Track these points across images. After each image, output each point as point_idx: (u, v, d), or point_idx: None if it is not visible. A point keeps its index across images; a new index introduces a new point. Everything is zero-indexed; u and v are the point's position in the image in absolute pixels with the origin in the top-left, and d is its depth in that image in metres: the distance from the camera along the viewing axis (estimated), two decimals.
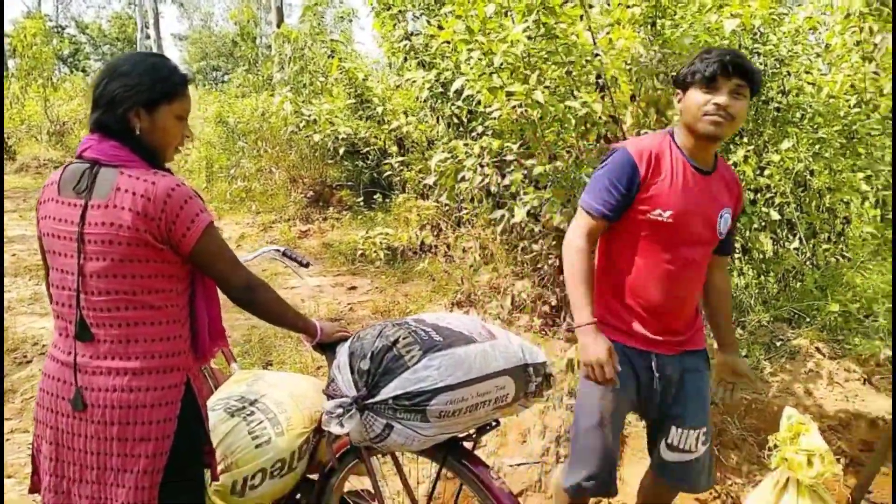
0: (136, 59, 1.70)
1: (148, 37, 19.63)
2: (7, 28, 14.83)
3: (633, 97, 2.98)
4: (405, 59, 4.35)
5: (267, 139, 8.96)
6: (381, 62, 7.67)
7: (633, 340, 2.16)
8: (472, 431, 1.95)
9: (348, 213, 8.73)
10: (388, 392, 1.70)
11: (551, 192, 3.08)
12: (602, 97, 3.04)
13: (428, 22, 4.36)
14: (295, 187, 9.18)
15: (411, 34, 4.33)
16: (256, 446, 2.18)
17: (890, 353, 3.83)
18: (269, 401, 2.31)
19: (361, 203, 8.40)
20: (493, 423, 1.99)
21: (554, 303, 3.86)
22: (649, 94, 3.07)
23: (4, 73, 14.15)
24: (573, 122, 2.85)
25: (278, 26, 9.99)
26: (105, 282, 1.63)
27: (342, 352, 1.82)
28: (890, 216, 3.96)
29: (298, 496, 2.37)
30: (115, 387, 1.65)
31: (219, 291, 1.82)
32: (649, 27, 3.11)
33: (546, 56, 2.90)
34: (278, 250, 2.74)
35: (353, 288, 6.63)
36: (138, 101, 1.65)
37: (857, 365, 3.79)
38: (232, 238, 8.35)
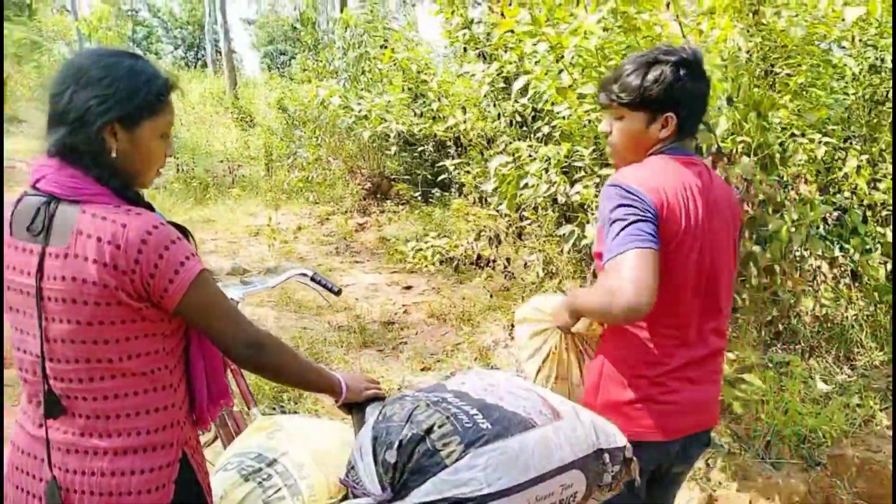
0: (108, 60, 1.32)
1: (216, 21, 19.65)
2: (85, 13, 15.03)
3: (729, 100, 2.51)
4: (465, 50, 3.94)
5: (325, 128, 8.72)
6: (440, 52, 7.26)
7: None
8: None
9: (406, 207, 8.44)
10: (420, 496, 1.32)
11: None
12: None
13: (490, 9, 3.94)
14: (353, 178, 8.93)
15: (471, 22, 3.91)
16: None
17: None
18: (288, 462, 1.96)
19: (419, 197, 8.09)
20: None
21: None
22: (749, 95, 2.58)
23: None
24: None
25: (341, 11, 9.77)
26: (73, 348, 1.31)
27: (364, 434, 1.44)
28: None
29: None
30: (94, 470, 1.34)
31: None
32: (750, 16, 2.61)
33: (624, 51, 2.45)
34: (305, 274, 2.43)
35: (409, 287, 6.35)
36: (115, 117, 1.29)
37: None
38: (289, 229, 8.18)
